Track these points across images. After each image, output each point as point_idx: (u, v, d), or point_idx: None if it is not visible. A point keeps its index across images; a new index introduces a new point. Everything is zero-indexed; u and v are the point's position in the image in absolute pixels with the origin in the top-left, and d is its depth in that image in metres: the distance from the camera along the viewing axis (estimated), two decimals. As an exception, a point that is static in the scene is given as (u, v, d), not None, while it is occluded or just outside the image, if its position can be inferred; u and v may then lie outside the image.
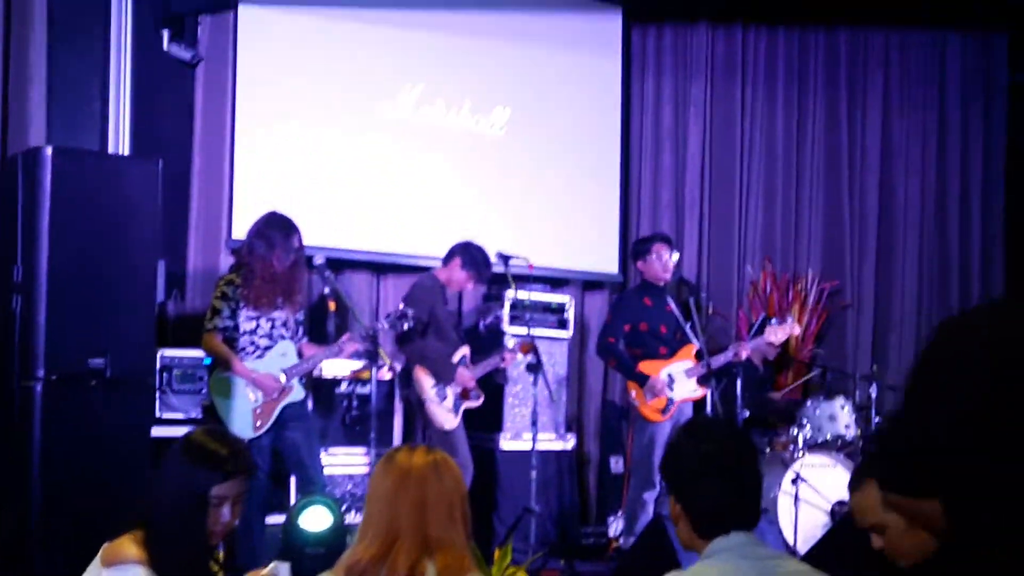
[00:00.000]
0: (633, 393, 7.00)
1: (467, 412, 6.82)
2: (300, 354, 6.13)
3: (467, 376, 6.74)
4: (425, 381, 6.69)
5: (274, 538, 5.94)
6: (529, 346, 6.94)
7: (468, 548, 2.87)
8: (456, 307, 7.45)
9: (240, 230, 6.91)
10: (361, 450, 6.86)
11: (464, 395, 6.78)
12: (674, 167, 9.10)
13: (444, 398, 6.69)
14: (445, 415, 6.68)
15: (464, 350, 6.86)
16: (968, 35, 9.99)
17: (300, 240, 6.09)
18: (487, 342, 7.36)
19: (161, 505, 3.06)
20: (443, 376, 6.69)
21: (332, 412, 6.94)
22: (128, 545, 3.02)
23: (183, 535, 3.05)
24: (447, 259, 6.91)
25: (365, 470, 6.82)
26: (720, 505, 2.69)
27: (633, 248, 7.55)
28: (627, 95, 8.91)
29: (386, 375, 6.57)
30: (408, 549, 2.76)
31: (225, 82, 7.30)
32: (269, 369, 5.96)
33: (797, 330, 7.61)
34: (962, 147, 10.00)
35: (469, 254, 6.84)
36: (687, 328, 7.14)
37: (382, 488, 2.85)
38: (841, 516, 6.71)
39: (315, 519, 5.48)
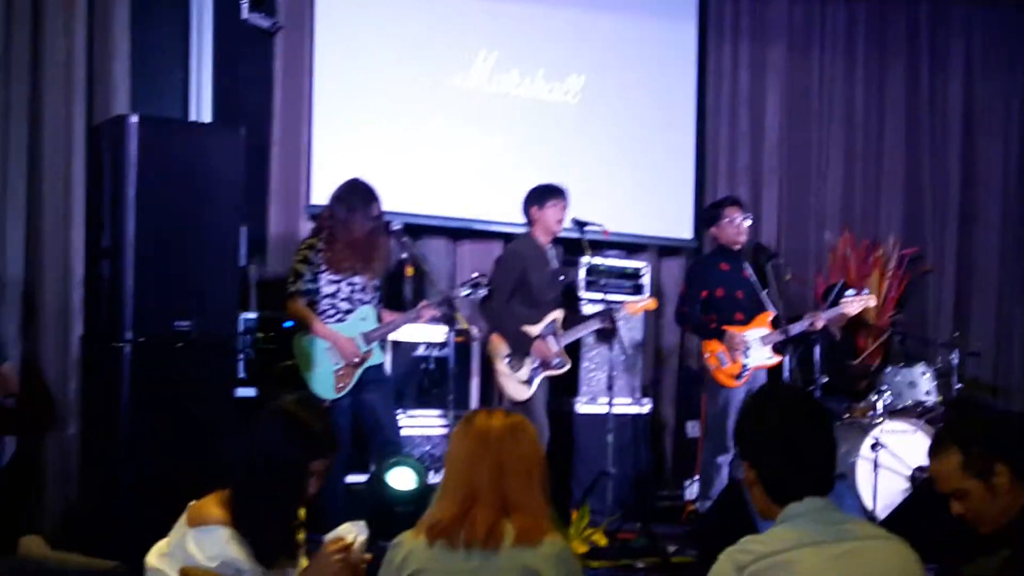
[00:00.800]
0: (708, 355, 6.99)
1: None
2: (379, 318, 6.20)
3: (543, 349, 6.58)
4: (499, 350, 6.61)
5: (355, 497, 6.05)
6: (611, 316, 6.92)
7: (545, 510, 2.91)
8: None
9: (319, 196, 6.99)
10: (438, 412, 6.95)
11: (545, 364, 6.64)
12: (751, 133, 9.03)
13: (518, 368, 6.60)
14: (517, 387, 6.58)
15: (555, 314, 6.72)
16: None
17: (380, 208, 6.14)
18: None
19: (253, 472, 3.09)
20: (518, 347, 6.58)
21: (410, 375, 7.02)
22: (213, 507, 3.07)
23: (273, 502, 3.10)
24: (526, 212, 6.78)
25: (443, 432, 6.90)
26: (792, 472, 2.71)
27: (705, 213, 7.52)
28: (703, 61, 8.85)
29: (462, 339, 6.57)
30: (486, 510, 2.82)
31: (304, 50, 7.37)
32: (350, 333, 6.04)
33: (873, 302, 7.52)
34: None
35: (535, 191, 6.74)
36: (763, 294, 7.10)
37: (461, 450, 2.90)
38: (920, 482, 6.66)
39: (401, 479, 5.57)
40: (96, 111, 6.36)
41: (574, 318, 6.82)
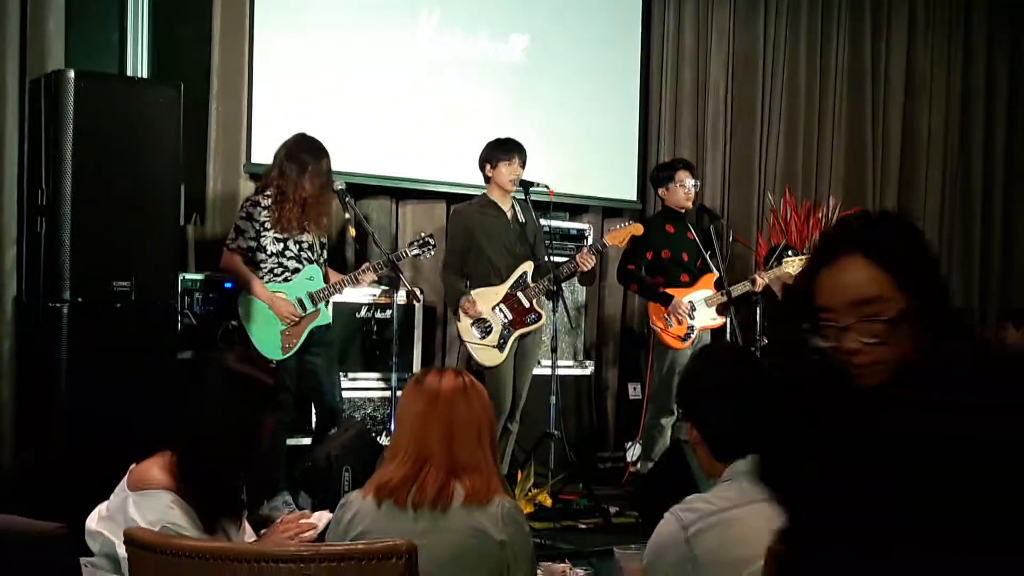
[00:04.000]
0: (653, 318, 7.02)
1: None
2: (326, 278, 6.13)
3: (468, 307, 6.43)
4: (462, 319, 6.52)
5: (296, 459, 6.02)
6: (597, 249, 6.85)
7: (494, 470, 2.90)
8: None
9: (259, 155, 6.90)
10: (381, 375, 6.91)
11: (517, 323, 6.53)
12: (694, 95, 9.02)
13: (487, 332, 6.50)
14: (488, 352, 6.48)
15: (525, 267, 6.59)
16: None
17: (329, 163, 6.06)
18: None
19: (203, 432, 3.04)
20: (453, 309, 6.52)
21: (353, 337, 6.97)
22: (155, 470, 3.02)
23: (224, 462, 3.06)
24: (481, 169, 6.68)
25: (385, 395, 6.87)
26: (735, 429, 2.71)
27: (654, 174, 7.50)
28: (647, 22, 8.81)
29: (403, 300, 6.50)
30: (436, 470, 2.80)
31: (243, 7, 7.22)
32: (295, 292, 5.97)
33: (814, 262, 7.58)
34: (987, 76, 9.94)
35: (489, 148, 6.65)
36: (707, 256, 7.14)
37: (412, 410, 2.88)
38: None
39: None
40: (30, 67, 6.20)
41: (539, 271, 6.65)
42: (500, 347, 6.47)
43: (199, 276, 6.46)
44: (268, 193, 5.99)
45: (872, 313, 1.92)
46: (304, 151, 6.00)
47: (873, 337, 1.91)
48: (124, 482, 3.07)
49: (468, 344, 6.49)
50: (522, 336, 6.56)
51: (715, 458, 2.76)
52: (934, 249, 2.08)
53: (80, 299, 5.33)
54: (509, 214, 6.61)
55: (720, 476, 2.74)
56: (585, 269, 6.57)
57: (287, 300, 5.96)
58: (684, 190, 7.09)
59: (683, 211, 7.16)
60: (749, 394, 2.75)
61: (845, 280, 1.95)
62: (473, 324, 6.48)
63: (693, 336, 6.97)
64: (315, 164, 5.97)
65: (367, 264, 6.22)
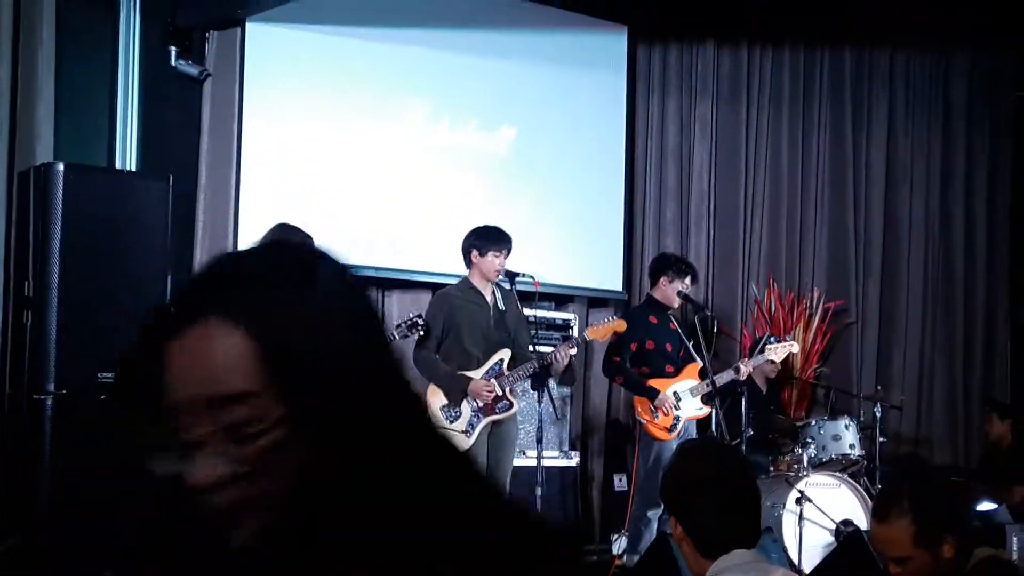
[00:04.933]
0: (639, 409, 7.01)
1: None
2: None
3: (482, 386, 6.40)
4: (433, 402, 6.44)
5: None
6: (576, 343, 6.83)
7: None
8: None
9: (245, 244, 6.92)
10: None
11: (487, 409, 6.47)
12: (678, 186, 9.12)
13: (456, 418, 6.45)
14: (455, 438, 6.46)
15: (501, 354, 6.54)
16: (974, 54, 10.05)
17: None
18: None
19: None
20: (452, 394, 6.43)
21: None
22: None
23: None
24: (466, 253, 6.64)
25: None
26: (720, 525, 2.72)
27: (660, 262, 7.43)
28: (632, 114, 8.93)
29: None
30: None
31: (232, 98, 7.30)
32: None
33: (796, 348, 7.63)
34: (967, 166, 10.06)
35: (477, 234, 6.61)
36: (690, 346, 7.17)
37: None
38: (846, 536, 6.70)
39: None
40: (18, 157, 6.24)
41: (516, 360, 6.59)
42: (467, 433, 6.42)
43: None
44: None
45: (236, 421, 1.19)
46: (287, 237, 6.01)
47: (239, 463, 1.19)
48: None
49: None
50: (494, 424, 6.51)
51: (701, 554, 2.74)
52: (337, 304, 1.30)
53: (64, 391, 5.30)
54: (490, 300, 6.62)
55: (705, 572, 2.72)
56: (561, 364, 6.55)
57: None
58: (679, 293, 7.14)
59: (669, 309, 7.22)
60: (733, 490, 2.77)
61: (192, 362, 1.21)
62: (442, 408, 6.44)
63: (679, 427, 6.96)
64: None
65: None
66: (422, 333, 6.36)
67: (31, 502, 5.32)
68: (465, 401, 6.44)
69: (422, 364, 6.53)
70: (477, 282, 6.61)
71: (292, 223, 6.10)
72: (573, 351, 6.71)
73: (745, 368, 7.14)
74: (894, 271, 9.81)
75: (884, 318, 9.74)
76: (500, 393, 6.45)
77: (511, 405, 6.52)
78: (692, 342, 7.20)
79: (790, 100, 9.55)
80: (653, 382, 6.99)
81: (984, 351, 10.04)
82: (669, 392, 6.98)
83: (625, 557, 7.13)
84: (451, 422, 6.41)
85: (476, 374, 6.46)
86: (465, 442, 6.38)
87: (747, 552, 2.71)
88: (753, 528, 2.78)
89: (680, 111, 9.15)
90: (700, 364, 7.09)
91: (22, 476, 5.45)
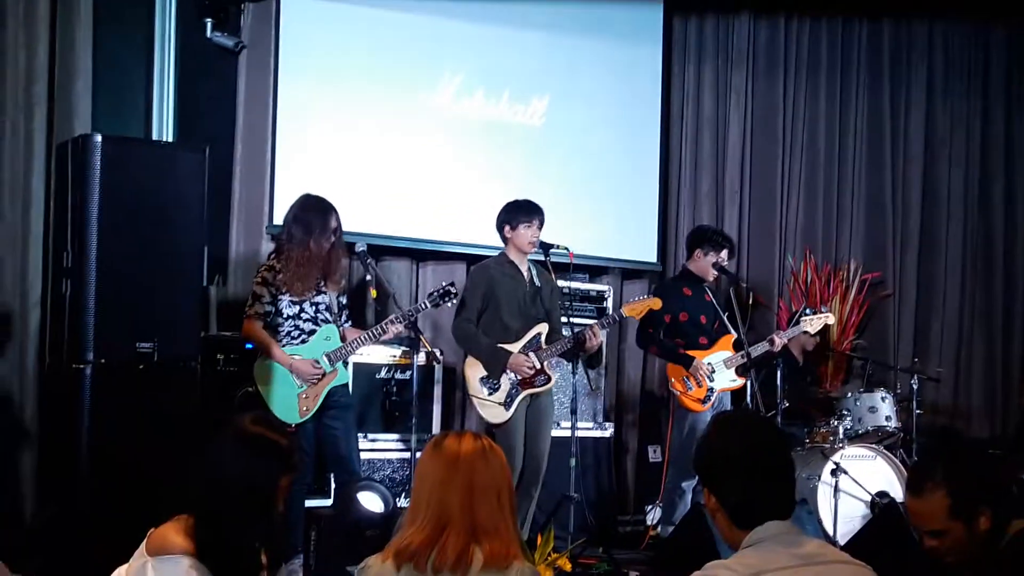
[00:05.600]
0: (673, 380, 7.01)
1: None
2: (343, 338, 6.13)
3: (521, 362, 6.40)
4: (474, 372, 6.46)
5: (328, 521, 5.97)
6: (608, 323, 6.84)
7: (515, 534, 2.89)
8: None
9: (280, 216, 6.95)
10: (400, 436, 6.91)
11: (526, 383, 6.45)
12: (714, 156, 9.09)
13: (495, 389, 6.44)
14: (494, 409, 6.41)
15: (539, 328, 6.54)
16: (1013, 24, 9.92)
17: (338, 220, 6.04)
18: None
19: (222, 496, 3.05)
20: (492, 367, 6.42)
21: (372, 397, 6.97)
22: (174, 535, 3.01)
23: (243, 525, 3.05)
24: (500, 229, 6.63)
25: (404, 456, 6.86)
26: (753, 497, 2.71)
27: (698, 235, 7.39)
28: (667, 84, 8.89)
29: (423, 361, 6.43)
30: (457, 535, 2.79)
31: (268, 70, 7.34)
32: (313, 354, 5.96)
33: (832, 320, 7.57)
34: (1006, 137, 9.96)
35: (509, 209, 6.61)
36: (725, 317, 7.15)
37: (431, 474, 2.87)
38: (882, 508, 6.69)
39: (371, 503, 5.53)
40: (57, 129, 6.30)
41: (551, 337, 6.59)
42: (506, 405, 6.43)
43: (222, 337, 6.49)
44: (280, 257, 6.01)
45: None
46: (309, 211, 6.01)
47: None
48: (143, 547, 3.06)
49: (474, 399, 6.47)
50: (532, 397, 6.53)
51: (735, 525, 2.75)
52: None
53: (103, 360, 5.36)
54: (527, 276, 6.61)
55: (739, 543, 2.73)
56: (591, 342, 6.54)
57: (306, 360, 5.94)
58: (715, 265, 7.11)
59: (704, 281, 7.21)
60: (767, 462, 2.76)
61: None
62: (482, 380, 6.46)
63: (713, 398, 6.95)
64: (321, 223, 5.97)
65: (393, 316, 6.17)
66: (454, 302, 6.37)
67: (70, 471, 5.38)
68: (504, 374, 6.44)
69: (461, 335, 6.55)
70: (514, 256, 6.61)
71: (316, 195, 6.13)
72: (603, 335, 6.69)
73: (779, 340, 7.11)
74: (932, 242, 9.74)
75: (922, 289, 9.68)
76: (539, 367, 6.46)
77: (549, 379, 6.52)
78: (727, 314, 7.18)
79: (827, 71, 9.48)
80: (687, 353, 6.99)
81: (1023, 322, 9.95)
82: (704, 362, 6.97)
83: (660, 528, 7.15)
84: (490, 393, 6.42)
85: (514, 347, 6.46)
86: (503, 414, 6.40)
87: (781, 523, 2.71)
88: (787, 499, 2.77)
89: (716, 82, 9.11)
90: (735, 336, 7.07)
91: (62, 445, 5.51)
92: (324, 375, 5.96)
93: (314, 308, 6.03)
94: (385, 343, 6.46)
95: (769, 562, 2.61)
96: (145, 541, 3.07)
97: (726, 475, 2.75)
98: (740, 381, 7.06)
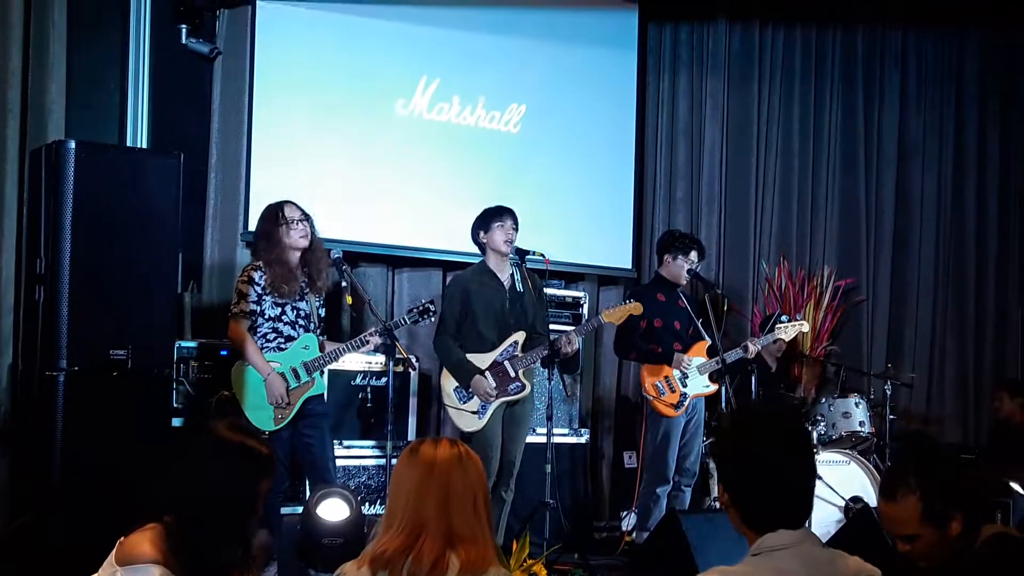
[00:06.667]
0: (646, 386, 7.02)
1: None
2: (322, 348, 6.12)
3: (483, 387, 6.38)
4: (446, 383, 6.50)
5: (290, 528, 5.98)
6: (593, 327, 6.87)
7: (491, 540, 2.89)
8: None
9: (256, 223, 6.94)
10: (375, 443, 6.90)
11: (500, 391, 6.44)
12: (689, 163, 9.11)
13: (468, 399, 6.45)
14: (467, 418, 6.43)
15: (516, 336, 6.54)
16: (986, 30, 10.00)
17: (298, 209, 6.04)
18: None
19: (199, 501, 3.03)
20: (460, 379, 6.45)
21: (348, 405, 6.96)
22: (143, 544, 2.98)
23: (216, 532, 3.03)
24: (475, 239, 6.65)
25: (379, 463, 6.85)
26: (766, 503, 2.63)
27: (667, 240, 7.38)
28: (642, 91, 8.91)
29: (399, 368, 6.43)
30: (432, 541, 2.79)
31: (242, 76, 7.32)
32: (291, 362, 5.95)
33: (806, 328, 7.61)
34: (979, 144, 10.04)
35: (481, 216, 6.62)
36: (699, 323, 7.18)
37: (407, 480, 2.87)
38: (855, 512, 6.72)
39: (333, 510, 5.52)
40: (30, 135, 6.26)
41: (531, 341, 6.59)
42: (479, 414, 6.44)
43: (195, 344, 6.47)
44: (260, 261, 6.01)
45: None
46: (265, 221, 6.05)
47: None
48: (112, 556, 3.02)
49: (448, 408, 6.48)
50: (507, 404, 6.53)
51: (745, 525, 2.68)
52: None
53: (76, 368, 5.33)
54: (507, 283, 6.61)
55: (750, 540, 2.66)
56: (566, 349, 6.54)
57: (281, 381, 5.93)
58: (686, 268, 7.13)
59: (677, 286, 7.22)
60: (782, 469, 2.65)
61: None
62: (455, 389, 6.46)
63: (686, 403, 6.98)
64: (276, 221, 5.98)
65: (373, 329, 6.18)
66: (433, 320, 6.38)
67: (44, 478, 5.35)
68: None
69: (440, 349, 6.58)
70: (493, 265, 6.61)
71: (293, 200, 6.13)
72: (578, 341, 6.71)
73: (753, 347, 7.13)
74: (905, 248, 9.80)
75: (895, 295, 9.74)
76: (513, 375, 6.46)
77: (524, 387, 6.52)
78: (701, 320, 7.21)
79: (801, 77, 9.52)
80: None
81: (995, 329, 10.03)
82: (685, 359, 7.00)
83: (635, 534, 7.16)
84: (463, 403, 6.43)
85: (489, 356, 6.48)
86: (477, 423, 6.41)
87: (794, 533, 2.63)
88: (802, 507, 2.68)
89: (691, 89, 9.14)
90: (708, 342, 7.10)
91: (34, 452, 5.48)
92: (293, 390, 5.95)
93: (295, 312, 6.02)
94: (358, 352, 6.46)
95: (781, 573, 2.56)
96: (114, 551, 3.04)
97: (739, 477, 2.68)
98: (713, 387, 7.08)
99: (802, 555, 2.60)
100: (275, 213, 6.04)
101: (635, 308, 6.73)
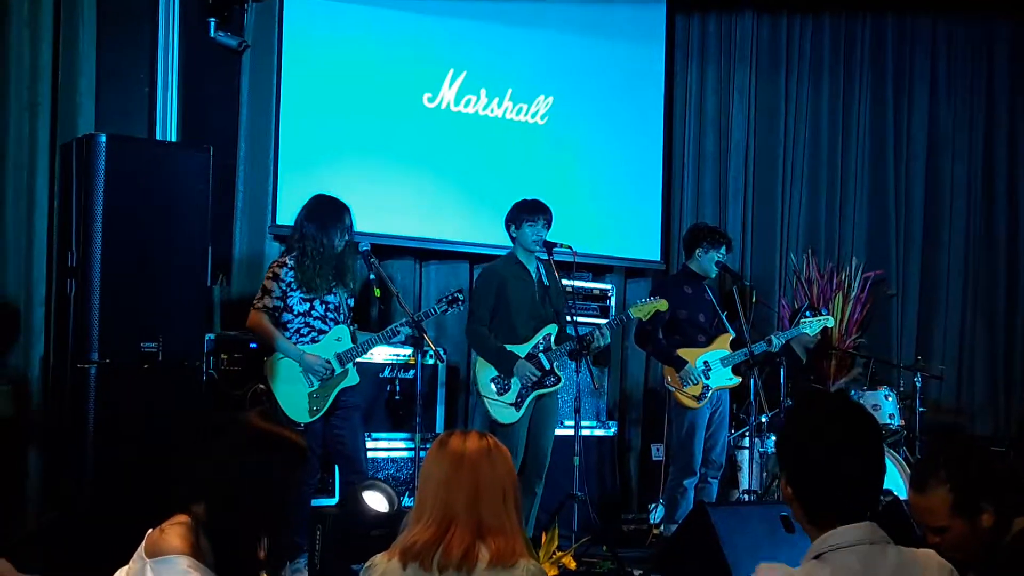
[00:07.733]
0: (669, 379, 7.01)
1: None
2: (354, 339, 6.12)
3: (526, 369, 6.37)
4: (482, 373, 6.48)
5: (332, 521, 5.98)
6: (621, 322, 6.87)
7: (520, 533, 2.90)
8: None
9: (284, 216, 6.96)
10: (404, 435, 6.92)
11: (537, 383, 6.44)
12: (717, 155, 9.09)
13: (506, 390, 6.44)
14: (503, 409, 6.42)
15: (548, 329, 6.54)
16: (1016, 21, 9.91)
17: (351, 219, 6.07)
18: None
19: (227, 491, 3.02)
20: (502, 368, 6.43)
21: (377, 397, 6.98)
22: (172, 536, 2.97)
23: (247, 522, 3.04)
24: (507, 230, 6.64)
25: (408, 455, 6.87)
26: (830, 498, 2.53)
27: (695, 233, 7.33)
28: (670, 83, 8.90)
29: (427, 360, 6.45)
30: (462, 533, 2.80)
31: (271, 69, 7.34)
32: (325, 353, 5.92)
33: (831, 323, 7.58)
34: (1009, 134, 9.95)
35: (513, 210, 6.61)
36: (723, 316, 7.15)
37: (437, 472, 2.88)
38: (885, 505, 6.68)
39: (377, 502, 5.54)
40: (60, 128, 6.31)
41: (562, 336, 6.59)
42: (517, 405, 6.45)
43: (225, 336, 6.50)
44: (293, 255, 6.01)
45: None
46: (324, 209, 6.03)
47: None
48: (141, 549, 3.03)
49: (485, 399, 6.48)
50: (540, 396, 6.54)
51: (807, 520, 2.57)
52: None
53: (107, 360, 5.37)
54: (535, 275, 6.62)
55: (812, 535, 2.56)
56: (598, 343, 6.53)
57: (316, 356, 5.93)
58: (718, 264, 7.11)
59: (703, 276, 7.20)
60: (849, 463, 2.53)
61: None
62: (492, 380, 6.47)
63: (709, 395, 6.95)
64: (336, 220, 5.98)
65: (403, 320, 6.17)
66: (462, 308, 6.38)
67: (76, 469, 5.39)
68: (512, 376, 6.46)
69: (473, 338, 6.59)
70: (522, 256, 6.61)
71: (329, 194, 6.14)
72: (608, 336, 6.70)
73: (777, 340, 7.10)
74: (935, 239, 9.74)
75: (924, 287, 9.68)
76: (548, 367, 6.47)
77: (558, 380, 6.54)
78: (727, 313, 7.18)
79: (830, 69, 9.47)
80: (683, 351, 6.98)
81: (1025, 320, 9.96)
82: (699, 361, 6.97)
83: (663, 526, 7.15)
84: (501, 394, 6.43)
85: (522, 349, 6.48)
86: (514, 415, 6.41)
87: (859, 530, 2.52)
88: (867, 503, 2.57)
89: (719, 80, 9.11)
90: (732, 335, 7.07)
91: (66, 445, 5.53)
92: (334, 374, 5.96)
93: (324, 307, 6.02)
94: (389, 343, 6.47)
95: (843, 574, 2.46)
96: (143, 543, 3.05)
97: (802, 471, 2.56)
98: (737, 380, 7.05)
99: (867, 558, 2.49)
100: (335, 213, 5.99)
101: (661, 304, 6.73)
